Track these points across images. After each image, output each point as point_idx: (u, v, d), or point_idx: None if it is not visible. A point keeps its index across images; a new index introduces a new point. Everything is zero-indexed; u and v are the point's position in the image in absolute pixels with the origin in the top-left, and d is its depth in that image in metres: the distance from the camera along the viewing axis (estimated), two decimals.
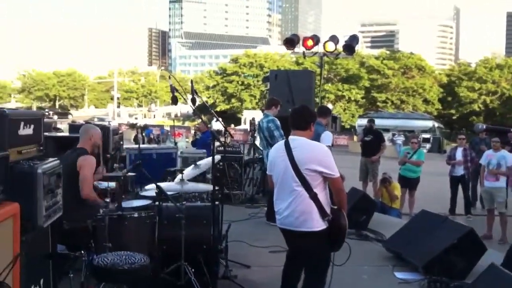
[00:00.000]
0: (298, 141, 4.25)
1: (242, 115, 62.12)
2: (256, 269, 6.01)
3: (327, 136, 7.55)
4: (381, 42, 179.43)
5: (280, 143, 4.44)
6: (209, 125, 6.63)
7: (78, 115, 74.97)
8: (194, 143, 13.52)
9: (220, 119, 6.73)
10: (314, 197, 4.09)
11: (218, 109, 67.10)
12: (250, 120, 14.32)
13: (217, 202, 5.15)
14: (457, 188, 11.89)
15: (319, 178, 4.13)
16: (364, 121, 36.93)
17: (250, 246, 6.93)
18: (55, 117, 64.94)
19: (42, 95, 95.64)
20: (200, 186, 5.60)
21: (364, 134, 12.93)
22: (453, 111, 65.36)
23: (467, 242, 5.86)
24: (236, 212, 8.84)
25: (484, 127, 13.26)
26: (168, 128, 40.67)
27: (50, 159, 3.65)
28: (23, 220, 3.13)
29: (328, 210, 4.16)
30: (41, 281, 3.61)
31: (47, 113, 70.62)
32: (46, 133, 4.30)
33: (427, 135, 41.48)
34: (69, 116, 68.11)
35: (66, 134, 8.68)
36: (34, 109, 73.04)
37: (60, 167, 3.70)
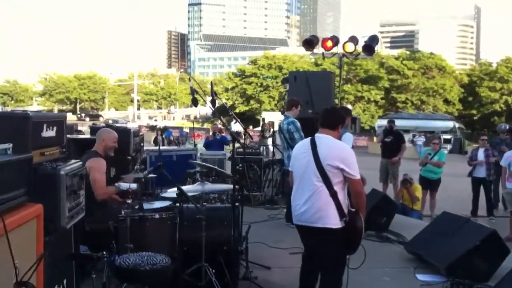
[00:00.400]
0: (324, 139, 4.29)
1: (260, 116, 62.14)
2: (276, 271, 6.02)
3: (348, 137, 7.47)
4: (401, 42, 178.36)
5: (306, 140, 4.48)
6: (228, 127, 6.62)
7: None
8: (208, 145, 13.50)
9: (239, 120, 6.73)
10: (333, 195, 4.10)
11: (237, 110, 67.19)
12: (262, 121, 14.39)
13: (237, 204, 5.17)
14: (479, 190, 11.75)
15: (340, 177, 4.14)
16: (383, 122, 36.75)
17: (270, 247, 6.93)
18: (87, 119, 67.15)
19: (63, 98, 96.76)
20: (220, 186, 5.62)
21: (384, 135, 12.84)
22: (474, 112, 64.69)
23: (490, 244, 5.79)
24: (255, 213, 8.84)
25: (508, 127, 13.10)
26: (187, 130, 40.91)
27: (73, 161, 3.69)
28: (47, 221, 3.16)
29: (345, 211, 4.17)
30: (64, 281, 3.65)
31: (79, 115, 73.10)
32: (68, 135, 4.34)
33: (448, 136, 41.06)
34: (100, 118, 69.83)
35: (88, 136, 8.77)
36: (56, 112, 74.03)
37: (83, 169, 3.74)
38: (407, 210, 10.75)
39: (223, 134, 13.81)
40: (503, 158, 9.85)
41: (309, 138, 4.43)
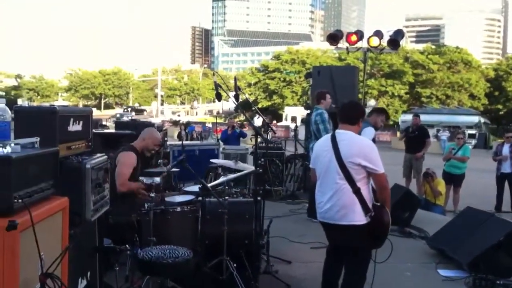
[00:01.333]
0: (345, 134, 4.27)
1: (283, 111, 61.97)
2: (297, 265, 6.03)
3: (368, 131, 7.36)
4: (427, 36, 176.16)
5: (326, 137, 4.46)
6: (251, 121, 6.68)
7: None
8: (226, 139, 13.45)
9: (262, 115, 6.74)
10: (357, 191, 4.09)
11: (259, 105, 67.07)
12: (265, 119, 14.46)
13: (258, 198, 5.20)
14: (503, 185, 11.62)
15: (363, 173, 4.13)
16: (407, 117, 36.35)
17: (291, 242, 6.96)
18: (133, 113, 69.42)
19: (88, 93, 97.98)
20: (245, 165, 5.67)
21: (409, 130, 12.65)
22: (500, 106, 63.64)
23: None
24: (277, 208, 8.87)
25: None
26: (210, 125, 41.00)
27: (98, 155, 3.74)
28: (72, 214, 3.21)
29: (370, 206, 4.16)
30: (88, 273, 3.71)
31: (125, 109, 75.05)
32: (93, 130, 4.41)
33: (472, 131, 40.56)
34: (144, 113, 71.33)
35: (113, 130, 8.91)
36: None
37: (107, 163, 3.80)
38: (429, 205, 10.68)
39: (245, 129, 13.85)
40: None
41: (329, 135, 4.42)
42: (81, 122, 3.74)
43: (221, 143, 12.39)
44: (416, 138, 12.20)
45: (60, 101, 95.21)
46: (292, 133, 15.86)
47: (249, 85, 77.34)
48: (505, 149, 11.50)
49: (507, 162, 11.42)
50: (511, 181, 11.54)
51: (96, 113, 67.10)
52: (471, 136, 38.37)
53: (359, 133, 4.54)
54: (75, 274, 3.38)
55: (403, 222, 7.92)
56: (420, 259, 6.51)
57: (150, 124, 7.47)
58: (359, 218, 4.11)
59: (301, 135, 13.50)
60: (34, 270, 2.68)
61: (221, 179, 5.40)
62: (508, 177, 11.49)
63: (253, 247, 5.03)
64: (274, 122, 51.72)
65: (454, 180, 11.44)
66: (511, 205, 11.49)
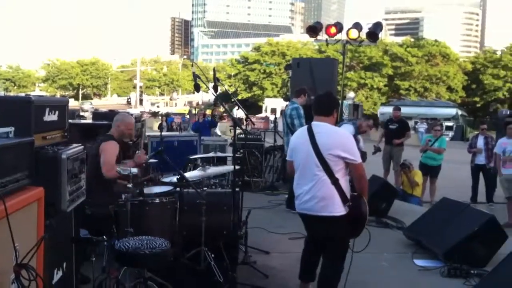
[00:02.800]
0: (321, 126, 4.28)
1: (263, 103, 62.03)
2: (275, 255, 6.06)
3: (346, 128, 7.38)
4: (406, 29, 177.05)
5: (303, 129, 4.46)
6: (230, 113, 6.69)
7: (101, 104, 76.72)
8: (197, 128, 13.64)
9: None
10: (335, 182, 4.12)
11: (239, 97, 67.10)
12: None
13: (237, 189, 5.20)
14: (478, 176, 11.78)
15: (341, 164, 4.16)
16: (386, 109, 36.61)
17: (269, 232, 6.99)
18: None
19: (65, 84, 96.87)
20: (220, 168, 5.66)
21: (389, 122, 12.68)
22: (477, 99, 64.58)
23: (488, 230, 5.83)
24: (256, 199, 8.89)
25: (508, 112, 13.11)
26: (189, 117, 40.90)
27: (74, 145, 3.71)
28: (47, 204, 3.18)
29: (348, 196, 4.19)
30: (64, 264, 3.68)
31: (129, 100, 76.16)
32: (70, 120, 4.35)
33: (450, 123, 41.06)
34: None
35: (90, 121, 8.82)
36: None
37: (84, 153, 3.76)
38: (407, 196, 10.79)
39: (224, 120, 14.34)
40: (497, 145, 9.92)
41: (305, 127, 4.42)
42: (57, 112, 3.70)
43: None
44: (396, 131, 12.24)
45: (37, 92, 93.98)
46: (272, 125, 15.92)
47: (229, 76, 77.23)
48: (480, 141, 11.65)
49: (482, 154, 11.57)
50: (486, 172, 11.70)
51: (73, 104, 66.69)
52: (449, 128, 38.91)
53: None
54: (50, 265, 3.36)
55: (380, 212, 8.00)
56: (397, 249, 6.58)
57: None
58: (338, 209, 4.15)
59: (280, 126, 13.51)
60: (9, 261, 2.65)
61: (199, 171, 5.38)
62: (482, 169, 11.65)
63: (231, 238, 5.04)
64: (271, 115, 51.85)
65: (430, 171, 11.56)
66: (486, 196, 11.67)
